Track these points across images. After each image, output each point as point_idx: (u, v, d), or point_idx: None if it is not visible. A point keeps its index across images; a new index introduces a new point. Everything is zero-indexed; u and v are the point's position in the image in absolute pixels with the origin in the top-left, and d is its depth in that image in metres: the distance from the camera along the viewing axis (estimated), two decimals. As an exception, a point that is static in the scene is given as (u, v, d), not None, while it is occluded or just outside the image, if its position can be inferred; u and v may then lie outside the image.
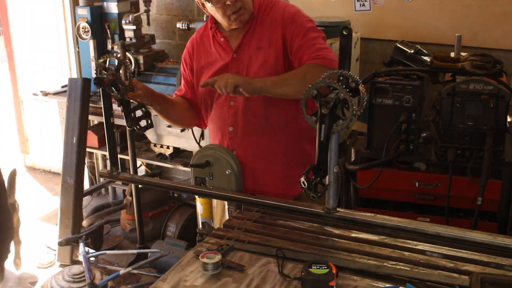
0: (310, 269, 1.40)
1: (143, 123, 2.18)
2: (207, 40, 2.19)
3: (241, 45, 2.10)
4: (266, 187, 2.11)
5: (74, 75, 4.21)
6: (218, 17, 2.09)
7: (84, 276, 3.09)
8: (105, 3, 3.62)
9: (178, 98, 2.31)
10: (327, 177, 1.69)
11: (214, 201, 2.14)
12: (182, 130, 3.30)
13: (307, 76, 1.89)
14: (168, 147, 3.57)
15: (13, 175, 2.86)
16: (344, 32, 1.66)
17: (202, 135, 3.20)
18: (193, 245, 1.84)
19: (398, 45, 2.84)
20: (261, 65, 2.05)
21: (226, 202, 2.03)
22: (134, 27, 3.51)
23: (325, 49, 2.03)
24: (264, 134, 2.12)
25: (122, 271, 3.08)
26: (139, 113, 2.15)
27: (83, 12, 3.61)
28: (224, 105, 2.14)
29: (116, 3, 3.56)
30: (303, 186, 1.62)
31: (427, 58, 2.74)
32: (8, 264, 3.05)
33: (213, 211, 2.19)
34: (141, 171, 4.10)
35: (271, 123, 2.11)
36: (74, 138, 3.42)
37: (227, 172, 2.01)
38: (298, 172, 1.64)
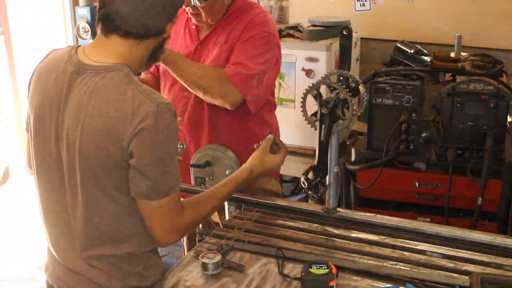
0: (310, 269, 1.40)
1: None
2: (180, 22, 2.17)
3: (206, 38, 2.10)
4: None
5: (74, 75, 4.20)
6: None
7: (84, 276, 3.08)
8: (105, 3, 3.62)
9: (147, 75, 2.28)
10: (327, 177, 1.70)
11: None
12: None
13: (204, 79, 1.98)
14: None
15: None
16: (344, 32, 1.66)
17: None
18: (193, 245, 1.84)
19: (398, 45, 2.84)
20: (214, 59, 2.06)
21: (226, 202, 2.03)
22: (134, 27, 3.51)
23: (241, 65, 1.99)
24: (210, 128, 2.13)
25: (122, 271, 3.07)
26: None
27: (83, 12, 3.61)
28: (178, 94, 2.15)
29: (116, 3, 3.56)
30: (303, 186, 1.62)
31: (427, 58, 2.74)
32: None
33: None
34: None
35: (218, 119, 2.12)
36: (74, 138, 3.41)
37: (227, 172, 2.01)
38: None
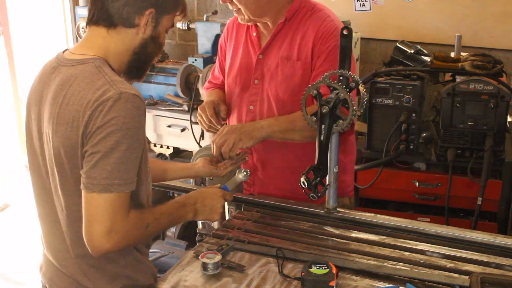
0: (310, 269, 1.40)
1: None
2: (242, 29, 2.04)
3: (268, 46, 1.96)
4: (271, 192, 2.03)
5: (74, 75, 4.20)
6: None
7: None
8: (105, 3, 3.62)
9: (217, 90, 2.14)
10: (327, 177, 1.69)
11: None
12: (182, 130, 3.30)
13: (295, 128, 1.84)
14: (168, 147, 3.56)
15: None
16: (344, 32, 1.66)
17: (202, 135, 3.20)
18: (193, 245, 1.84)
19: (398, 45, 2.85)
20: (286, 77, 1.92)
21: (226, 202, 2.03)
22: (134, 27, 3.51)
23: None
24: (280, 146, 1.97)
25: (122, 271, 3.07)
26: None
27: (83, 12, 3.61)
28: (242, 107, 2.02)
29: (116, 3, 3.56)
30: (303, 186, 1.62)
31: (427, 58, 2.74)
32: None
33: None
34: (141, 171, 4.10)
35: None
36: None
37: (227, 172, 2.01)
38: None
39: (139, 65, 1.47)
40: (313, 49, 1.88)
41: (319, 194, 1.63)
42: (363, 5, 3.26)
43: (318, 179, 1.63)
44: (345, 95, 1.61)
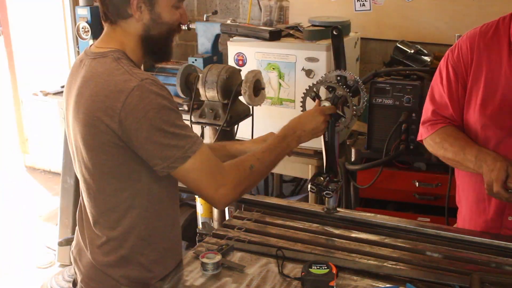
0: (310, 269, 1.40)
1: None
2: (496, 47, 1.56)
3: None
4: None
5: (74, 75, 4.20)
6: None
7: (84, 276, 3.09)
8: (105, 3, 3.62)
9: (456, 129, 1.67)
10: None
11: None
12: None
13: None
14: (168, 147, 3.56)
15: None
16: (334, 33, 1.66)
17: (202, 135, 3.20)
18: (193, 245, 1.84)
19: (398, 45, 2.84)
20: None
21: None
22: (134, 27, 3.51)
23: None
24: None
25: (122, 271, 3.07)
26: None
27: (83, 12, 3.61)
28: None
29: (116, 3, 3.56)
30: (312, 191, 1.63)
31: (427, 58, 2.74)
32: None
33: (213, 211, 2.19)
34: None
35: None
36: (74, 138, 3.41)
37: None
38: None
39: (154, 49, 1.50)
40: None
41: (333, 190, 1.63)
42: (363, 5, 3.25)
43: (328, 178, 1.64)
44: (343, 92, 1.61)
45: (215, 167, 1.42)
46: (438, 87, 1.70)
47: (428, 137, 1.73)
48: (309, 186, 1.63)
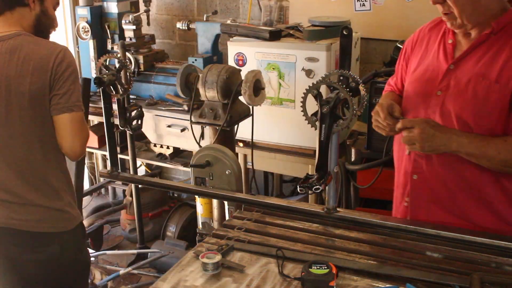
0: (310, 269, 1.40)
1: (134, 123, 2.19)
2: (435, 35, 1.84)
3: (463, 58, 1.72)
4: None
5: (74, 75, 4.20)
6: None
7: (84, 276, 3.09)
8: (105, 3, 3.62)
9: (392, 93, 2.00)
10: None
11: (214, 201, 2.14)
12: (182, 130, 3.30)
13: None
14: (168, 147, 3.57)
15: None
16: (344, 32, 1.66)
17: (202, 135, 3.20)
18: (193, 245, 1.84)
19: (398, 45, 2.84)
20: (476, 98, 1.66)
21: (226, 202, 2.03)
22: (134, 27, 3.50)
23: None
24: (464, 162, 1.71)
25: (122, 271, 3.08)
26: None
27: (83, 12, 3.61)
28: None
29: (116, 3, 3.56)
30: (301, 192, 1.63)
31: (427, 58, 2.73)
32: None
33: (213, 211, 2.19)
34: (141, 171, 4.10)
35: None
36: (74, 138, 3.41)
37: (227, 172, 2.01)
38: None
39: (41, 36, 1.88)
40: None
41: (321, 184, 1.61)
42: (363, 5, 3.25)
43: (317, 176, 1.63)
44: (346, 94, 1.61)
45: (86, 125, 1.91)
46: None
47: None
48: (298, 189, 1.62)
